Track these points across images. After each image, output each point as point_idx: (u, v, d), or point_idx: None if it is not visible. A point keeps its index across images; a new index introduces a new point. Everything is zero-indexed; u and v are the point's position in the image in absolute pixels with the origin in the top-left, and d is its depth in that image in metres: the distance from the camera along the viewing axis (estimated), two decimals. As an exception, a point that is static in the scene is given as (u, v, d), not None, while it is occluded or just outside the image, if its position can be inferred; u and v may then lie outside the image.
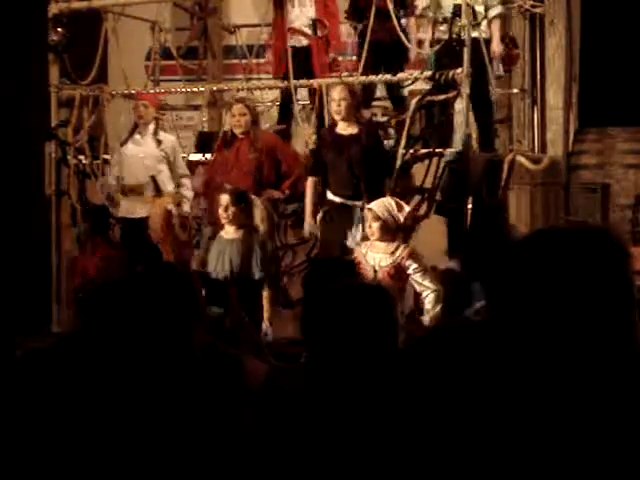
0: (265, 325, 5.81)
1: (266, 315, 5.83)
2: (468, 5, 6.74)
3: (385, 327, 2.29)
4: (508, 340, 1.36)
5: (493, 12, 7.07)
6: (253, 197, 6.43)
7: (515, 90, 8.15)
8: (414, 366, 1.25)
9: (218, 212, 6.13)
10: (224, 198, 5.96)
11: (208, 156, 7.21)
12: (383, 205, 5.57)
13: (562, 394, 1.21)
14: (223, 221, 5.98)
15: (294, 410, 2.26)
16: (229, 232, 6.00)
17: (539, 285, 1.52)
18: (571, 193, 8.06)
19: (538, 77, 8.14)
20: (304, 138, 7.31)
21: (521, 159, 7.26)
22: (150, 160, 6.99)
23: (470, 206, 6.62)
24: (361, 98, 6.65)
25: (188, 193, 7.05)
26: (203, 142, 7.64)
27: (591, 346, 1.47)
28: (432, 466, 1.16)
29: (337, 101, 6.30)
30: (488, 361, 1.23)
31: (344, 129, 6.37)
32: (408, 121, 6.84)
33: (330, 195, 6.38)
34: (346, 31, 7.91)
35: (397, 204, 5.58)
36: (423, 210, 6.64)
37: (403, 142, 6.72)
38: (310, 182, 6.53)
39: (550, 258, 1.54)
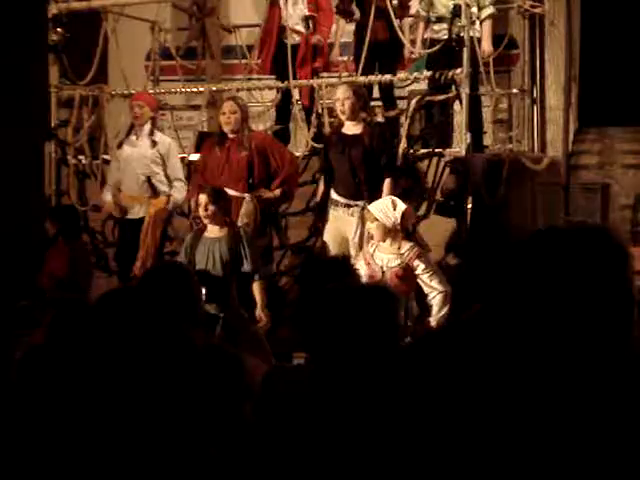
0: (259, 313, 5.83)
1: (260, 304, 5.86)
2: (468, 6, 6.75)
3: (386, 328, 2.29)
4: (508, 339, 1.36)
5: (485, 12, 7.13)
6: (245, 195, 6.45)
7: (515, 90, 8.15)
8: (414, 367, 1.25)
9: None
10: (202, 197, 6.04)
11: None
12: (379, 206, 5.57)
13: (562, 393, 1.22)
14: (205, 220, 6.04)
15: (294, 410, 2.26)
16: (213, 231, 6.04)
17: (539, 285, 1.52)
18: (571, 193, 8.06)
19: (538, 77, 8.14)
20: (305, 138, 7.32)
21: (521, 159, 7.27)
22: (145, 161, 6.96)
23: (470, 206, 6.62)
24: (367, 98, 6.63)
25: (179, 196, 7.00)
26: (203, 142, 7.63)
27: (591, 346, 1.47)
28: (430, 465, 1.16)
29: (341, 100, 6.29)
30: (488, 361, 1.23)
31: (349, 129, 6.37)
32: (408, 121, 6.84)
33: (334, 195, 6.39)
34: (341, 29, 7.92)
35: (393, 203, 5.57)
36: (423, 210, 6.64)
37: (403, 142, 6.72)
38: (322, 180, 6.55)
39: (550, 258, 1.54)
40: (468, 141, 6.69)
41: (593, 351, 1.47)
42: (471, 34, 6.85)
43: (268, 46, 7.57)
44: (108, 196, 7.09)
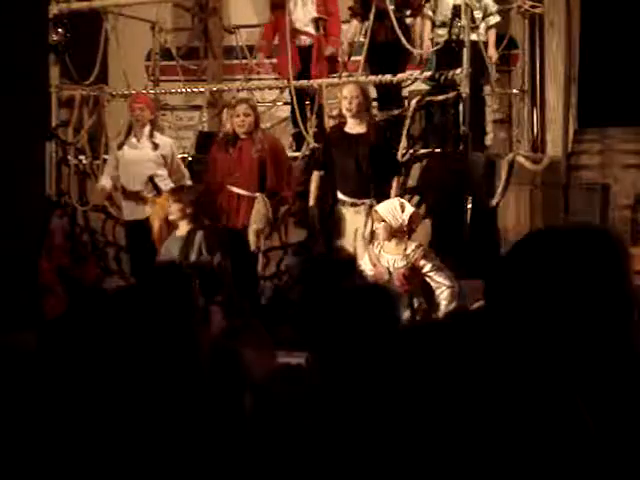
0: None
1: None
2: (467, 6, 6.76)
3: (389, 327, 2.30)
4: (505, 339, 1.36)
5: (493, 20, 7.21)
6: (256, 194, 6.48)
7: (515, 90, 8.15)
8: (414, 358, 1.26)
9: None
10: (170, 198, 6.17)
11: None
12: (387, 207, 5.59)
13: (561, 393, 1.22)
14: (170, 218, 6.17)
15: (296, 410, 2.27)
16: (180, 229, 6.19)
17: (538, 285, 1.52)
18: (571, 193, 8.06)
19: (538, 77, 8.15)
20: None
21: (521, 159, 7.27)
22: (148, 164, 6.95)
23: (470, 206, 6.63)
24: (370, 98, 6.65)
25: None
26: (203, 142, 7.64)
27: (590, 346, 1.47)
28: (430, 465, 1.17)
29: (349, 99, 6.30)
30: (487, 358, 1.23)
31: (352, 128, 6.37)
32: (408, 121, 6.85)
33: (339, 194, 6.40)
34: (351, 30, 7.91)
35: (401, 205, 5.59)
36: (422, 210, 6.66)
37: (403, 141, 6.73)
38: (315, 176, 6.56)
39: (550, 258, 1.54)
40: (468, 141, 6.69)
41: (592, 351, 1.47)
42: (475, 38, 6.89)
43: (289, 49, 7.48)
44: (104, 180, 7.15)
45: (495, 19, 7.27)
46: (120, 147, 7.08)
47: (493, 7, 7.25)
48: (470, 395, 1.12)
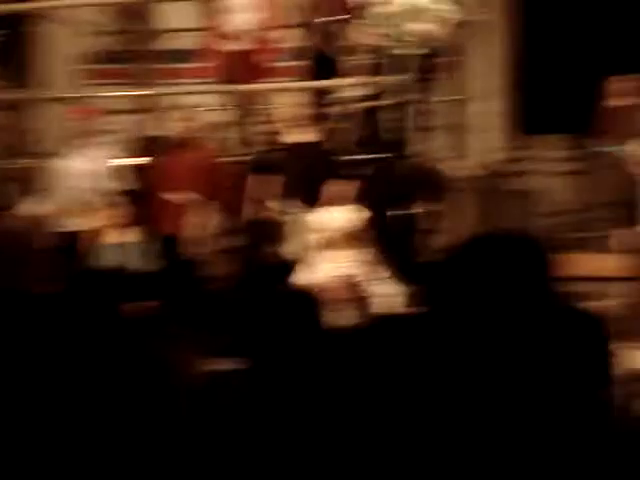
0: None
1: None
2: (400, 14, 6.83)
3: (312, 333, 2.30)
4: (442, 332, 1.40)
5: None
6: (198, 201, 6.47)
7: (451, 97, 8.23)
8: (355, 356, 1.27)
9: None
10: (107, 204, 6.26)
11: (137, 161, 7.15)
12: (340, 214, 5.58)
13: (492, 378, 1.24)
14: (107, 223, 6.20)
15: (231, 416, 2.26)
16: (113, 237, 6.17)
17: (469, 285, 1.57)
18: (505, 200, 8.17)
19: (474, 84, 8.24)
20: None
21: (455, 166, 7.36)
22: (89, 175, 6.86)
23: (405, 213, 6.68)
24: (314, 105, 6.67)
25: None
26: (137, 147, 7.58)
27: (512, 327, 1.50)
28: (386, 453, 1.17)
29: (292, 107, 6.31)
30: (427, 352, 1.26)
31: (297, 136, 6.36)
32: (344, 128, 6.90)
33: (284, 200, 6.38)
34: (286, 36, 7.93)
35: (353, 211, 5.59)
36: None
37: (340, 149, 6.77)
38: (261, 183, 6.51)
39: (479, 263, 1.60)
40: (402, 149, 6.76)
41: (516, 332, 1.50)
42: (417, 51, 6.98)
43: (222, 52, 7.45)
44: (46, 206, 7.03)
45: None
46: (62, 158, 6.97)
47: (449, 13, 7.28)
48: (388, 397, 1.13)
